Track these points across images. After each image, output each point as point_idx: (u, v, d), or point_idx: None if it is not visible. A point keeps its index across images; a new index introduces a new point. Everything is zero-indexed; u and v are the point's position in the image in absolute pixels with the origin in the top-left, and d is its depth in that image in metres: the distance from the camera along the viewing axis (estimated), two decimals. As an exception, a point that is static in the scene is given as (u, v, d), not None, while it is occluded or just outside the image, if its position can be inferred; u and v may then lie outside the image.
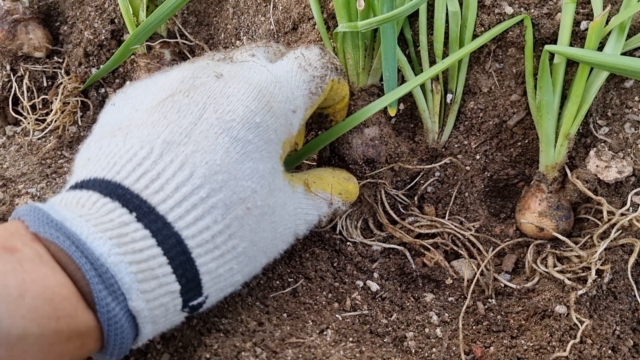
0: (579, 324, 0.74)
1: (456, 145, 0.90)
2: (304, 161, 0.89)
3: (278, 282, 0.81)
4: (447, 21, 0.82)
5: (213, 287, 0.61)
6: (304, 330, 0.73)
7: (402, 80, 0.87)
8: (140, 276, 0.53)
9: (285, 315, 0.76)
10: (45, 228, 0.52)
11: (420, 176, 0.91)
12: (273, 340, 0.71)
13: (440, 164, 0.89)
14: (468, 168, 0.90)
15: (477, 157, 0.90)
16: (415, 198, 0.92)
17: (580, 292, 0.78)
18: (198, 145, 0.60)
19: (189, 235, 0.57)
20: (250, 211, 0.62)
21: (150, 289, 0.54)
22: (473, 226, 0.90)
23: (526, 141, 0.88)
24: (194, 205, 0.57)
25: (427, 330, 0.79)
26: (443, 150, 0.90)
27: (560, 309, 0.77)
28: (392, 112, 0.79)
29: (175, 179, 0.57)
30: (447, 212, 0.91)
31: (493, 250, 0.88)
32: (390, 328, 0.79)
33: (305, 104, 0.72)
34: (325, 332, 0.74)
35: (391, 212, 0.89)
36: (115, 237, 0.53)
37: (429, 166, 0.89)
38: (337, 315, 0.78)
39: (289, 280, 0.81)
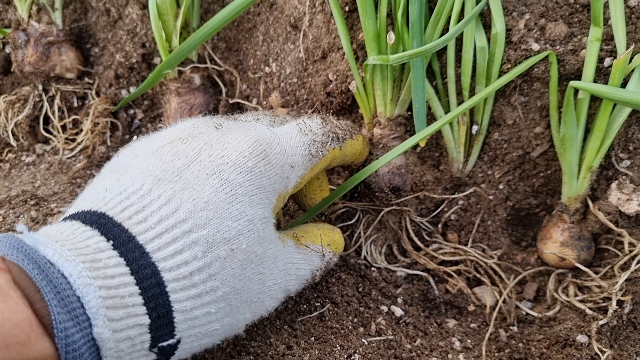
0: (601, 354, 0.76)
1: (480, 175, 0.92)
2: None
3: (305, 307, 0.83)
4: (474, 55, 0.84)
5: (187, 331, 0.59)
6: (332, 354, 0.75)
7: (428, 110, 0.89)
8: (108, 302, 0.51)
9: (313, 339, 0.78)
10: (12, 251, 0.51)
11: (444, 204, 0.93)
12: (302, 365, 0.73)
13: (465, 194, 0.91)
14: (491, 197, 0.92)
15: (500, 186, 0.92)
16: (439, 225, 0.94)
17: (601, 322, 0.79)
18: (188, 183, 0.61)
19: (165, 268, 0.56)
20: (235, 254, 0.61)
21: (118, 317, 0.52)
22: (495, 254, 0.92)
23: (548, 172, 0.90)
24: (175, 238, 0.57)
25: (450, 356, 0.81)
26: (467, 179, 0.92)
27: (581, 338, 0.79)
28: (422, 143, 0.81)
29: (160, 212, 0.58)
30: (470, 239, 0.93)
31: (515, 278, 0.90)
32: (414, 353, 0.80)
33: (305, 164, 0.73)
34: (352, 357, 0.76)
35: (415, 239, 0.91)
36: (89, 261, 0.52)
37: (454, 196, 0.91)
38: (363, 340, 0.79)
39: (316, 304, 0.83)
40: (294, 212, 0.99)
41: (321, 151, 0.75)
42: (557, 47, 0.83)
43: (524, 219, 0.95)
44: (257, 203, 0.65)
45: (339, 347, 0.77)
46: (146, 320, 0.54)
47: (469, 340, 0.84)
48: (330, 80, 0.93)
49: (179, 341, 0.58)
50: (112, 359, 0.52)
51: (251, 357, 0.75)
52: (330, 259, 0.80)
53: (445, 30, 0.84)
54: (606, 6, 0.80)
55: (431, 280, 0.91)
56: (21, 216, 0.93)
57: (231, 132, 0.68)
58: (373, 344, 0.79)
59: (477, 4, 0.83)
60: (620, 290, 0.81)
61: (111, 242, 0.55)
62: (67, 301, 0.49)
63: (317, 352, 0.75)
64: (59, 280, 0.49)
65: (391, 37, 0.81)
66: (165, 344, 0.57)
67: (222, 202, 0.61)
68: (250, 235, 0.63)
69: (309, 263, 0.76)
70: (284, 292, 0.73)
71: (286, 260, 0.71)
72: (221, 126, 0.69)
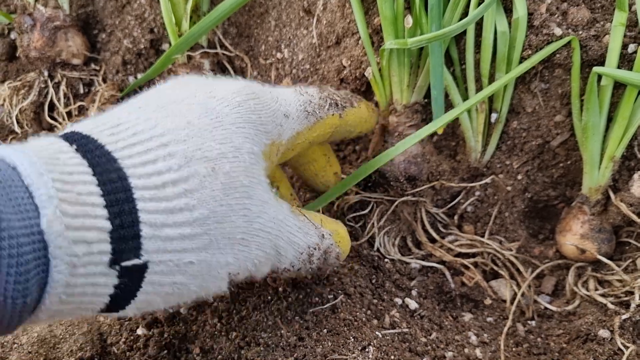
0: (624, 349, 0.74)
1: (498, 165, 0.89)
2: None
3: (317, 298, 0.80)
4: (494, 40, 0.82)
5: (156, 255, 0.51)
6: (346, 346, 0.73)
7: (445, 97, 0.87)
8: (63, 195, 0.44)
9: (325, 331, 0.75)
10: None
11: (461, 195, 0.90)
12: (315, 356, 0.71)
13: (482, 182, 0.88)
14: (509, 188, 0.90)
15: (519, 177, 0.89)
16: (455, 217, 0.91)
17: (624, 317, 0.77)
18: (169, 111, 0.57)
19: (134, 174, 0.50)
20: (216, 174, 0.55)
21: (73, 213, 0.45)
22: (513, 246, 0.89)
23: (568, 162, 0.88)
24: (148, 149, 0.52)
25: (466, 350, 0.78)
26: (485, 169, 0.90)
27: (603, 333, 0.76)
28: (440, 131, 0.78)
29: (135, 127, 0.54)
30: (487, 231, 0.90)
31: (533, 271, 0.87)
32: (429, 347, 0.78)
33: (300, 119, 0.69)
34: (367, 350, 0.73)
35: (431, 230, 0.89)
36: (46, 157, 0.46)
37: (472, 184, 0.88)
38: (377, 333, 0.77)
39: (329, 296, 0.80)
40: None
41: (318, 111, 0.72)
42: (580, 33, 0.80)
43: (542, 211, 0.92)
44: (245, 136, 0.60)
45: (352, 339, 0.74)
46: (107, 225, 0.47)
47: (485, 335, 0.82)
48: (344, 66, 0.91)
49: (146, 266, 0.51)
50: (62, 265, 0.44)
51: (262, 348, 0.73)
52: (331, 245, 0.71)
53: (465, 14, 0.81)
54: (631, -9, 0.78)
55: (447, 272, 0.88)
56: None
57: (223, 80, 0.66)
58: (387, 337, 0.77)
59: (498, -13, 0.81)
60: (642, 284, 0.79)
61: (74, 145, 0.50)
62: (8, 190, 0.42)
63: (330, 344, 0.73)
64: (5, 173, 0.43)
65: (409, 21, 0.79)
66: (129, 263, 0.49)
67: (205, 125, 0.57)
68: (235, 161, 0.57)
69: (304, 233, 0.67)
70: (272, 249, 0.63)
71: (277, 213, 0.63)
72: (214, 78, 0.68)
